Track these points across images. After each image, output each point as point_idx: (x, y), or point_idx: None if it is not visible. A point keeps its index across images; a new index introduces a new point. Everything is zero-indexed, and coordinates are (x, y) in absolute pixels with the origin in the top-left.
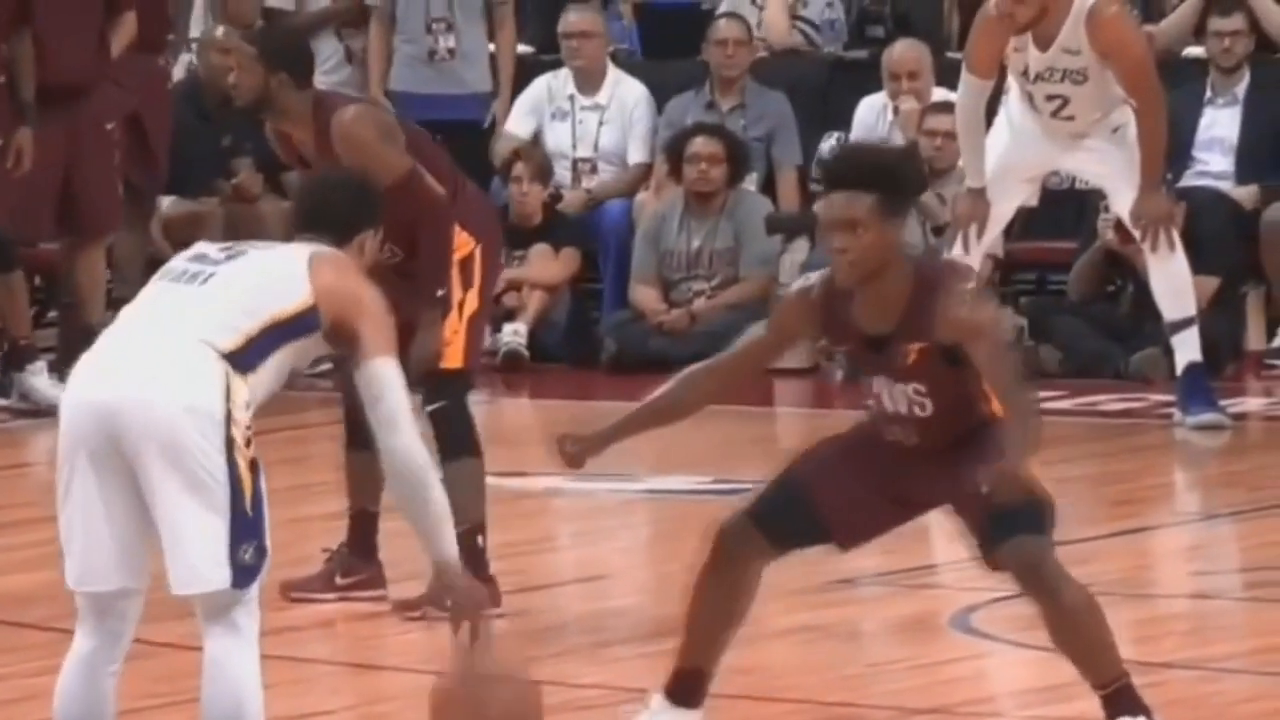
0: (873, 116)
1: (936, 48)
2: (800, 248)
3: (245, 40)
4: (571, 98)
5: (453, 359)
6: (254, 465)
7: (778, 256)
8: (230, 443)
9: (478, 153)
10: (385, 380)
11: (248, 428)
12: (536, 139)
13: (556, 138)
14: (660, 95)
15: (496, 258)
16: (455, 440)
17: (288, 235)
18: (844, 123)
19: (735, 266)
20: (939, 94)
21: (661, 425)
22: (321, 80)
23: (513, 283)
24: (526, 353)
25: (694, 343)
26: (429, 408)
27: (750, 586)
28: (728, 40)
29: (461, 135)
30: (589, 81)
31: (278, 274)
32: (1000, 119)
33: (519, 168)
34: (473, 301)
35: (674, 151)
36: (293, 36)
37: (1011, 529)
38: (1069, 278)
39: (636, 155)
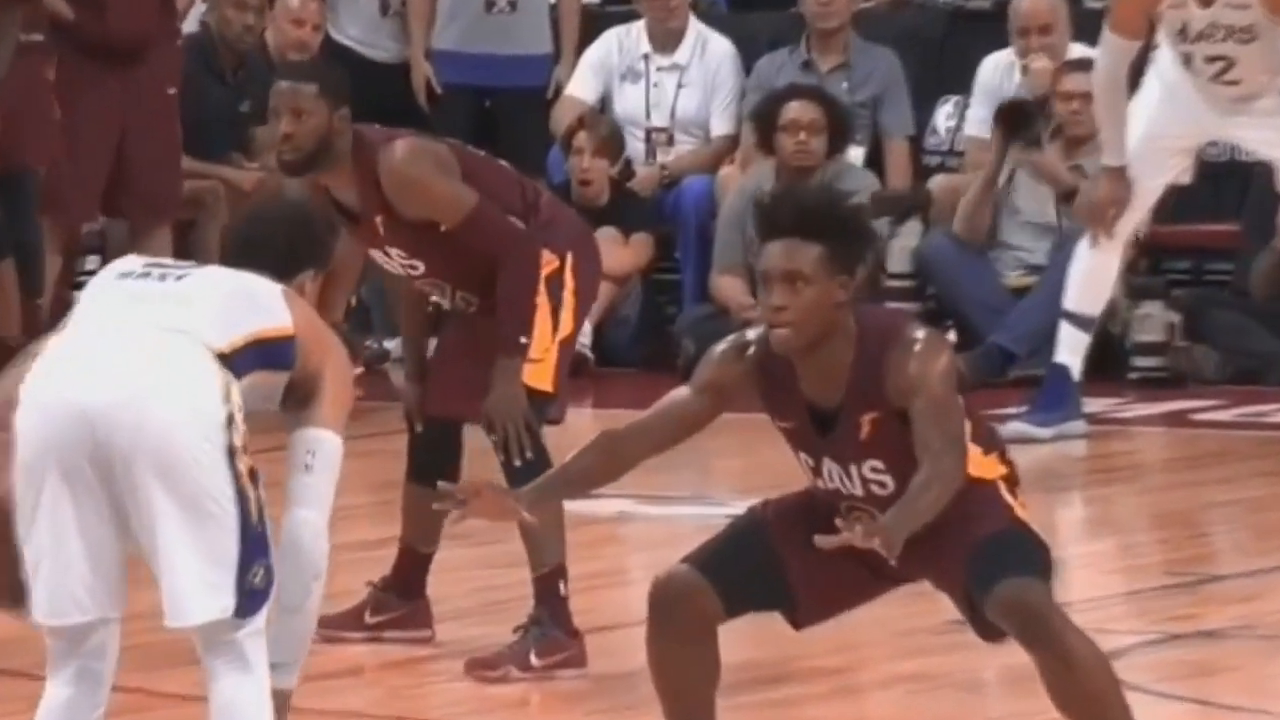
0: (997, 77)
1: None
2: (912, 231)
3: (301, 76)
4: (646, 56)
5: (537, 378)
6: (254, 474)
7: (885, 242)
8: (232, 450)
9: (538, 125)
10: (325, 454)
11: (245, 433)
12: (603, 105)
13: (627, 103)
14: (748, 54)
15: (590, 272)
16: (528, 471)
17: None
18: (963, 84)
19: None
20: (1076, 50)
21: (572, 497)
22: (354, 38)
23: None
24: (591, 355)
25: None
26: (498, 436)
27: (708, 644)
28: None
29: (519, 103)
30: (666, 37)
31: (257, 289)
32: (1148, 82)
33: (582, 138)
34: (566, 323)
35: (764, 119)
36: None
37: (1002, 570)
38: (1251, 275)
39: (721, 124)
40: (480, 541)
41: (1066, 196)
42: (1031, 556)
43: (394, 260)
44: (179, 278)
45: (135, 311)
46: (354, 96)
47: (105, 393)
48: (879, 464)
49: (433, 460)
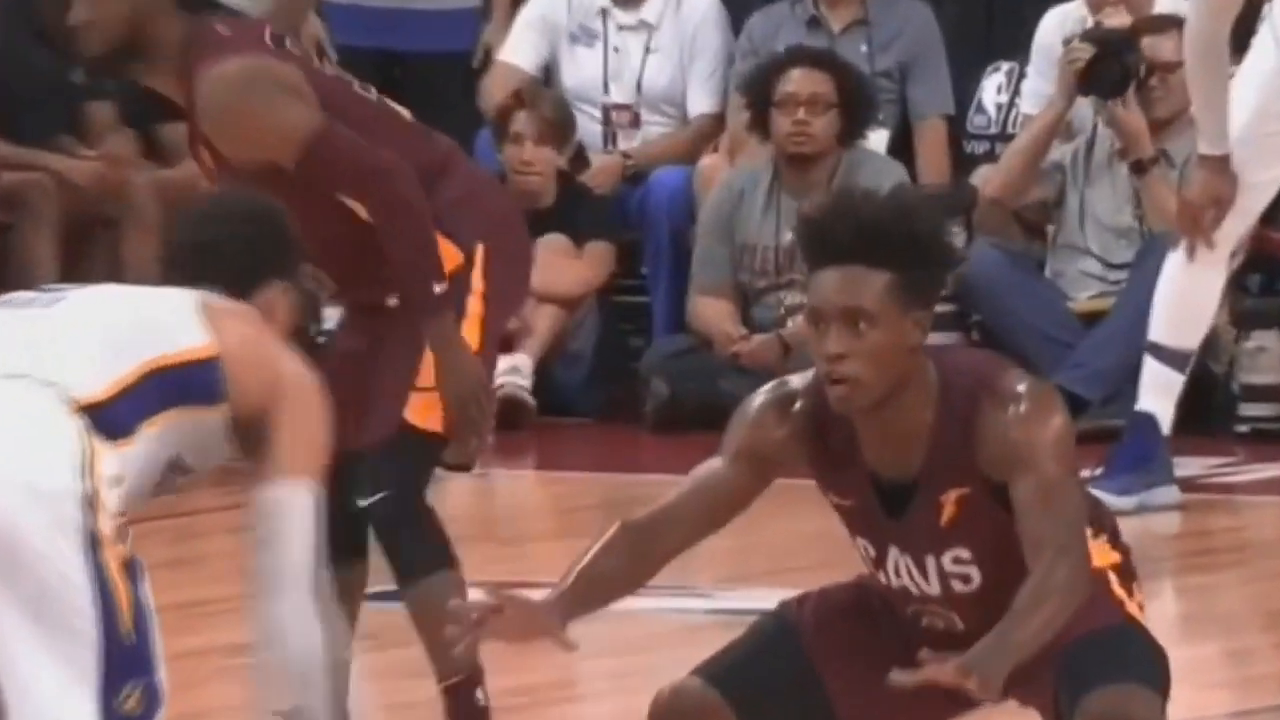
0: (1060, 38)
1: None
2: (953, 238)
3: None
4: (603, 12)
5: (422, 414)
6: (130, 568)
7: None
8: (95, 539)
9: (462, 101)
10: (287, 518)
11: (119, 514)
12: (548, 76)
13: (579, 73)
14: (738, 9)
15: (510, 274)
16: (419, 546)
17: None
18: (1018, 47)
19: None
20: (1162, 4)
21: (597, 609)
22: None
23: None
24: (532, 400)
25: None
26: (366, 500)
27: None
28: None
29: (437, 73)
30: None
31: (157, 306)
32: (1258, 46)
33: (520, 120)
34: (468, 338)
35: (758, 93)
36: None
37: (1102, 673)
38: None
39: (701, 100)
40: (387, 643)
41: (1138, 167)
42: (1143, 660)
43: None
44: (50, 302)
45: None
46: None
47: None
48: (963, 553)
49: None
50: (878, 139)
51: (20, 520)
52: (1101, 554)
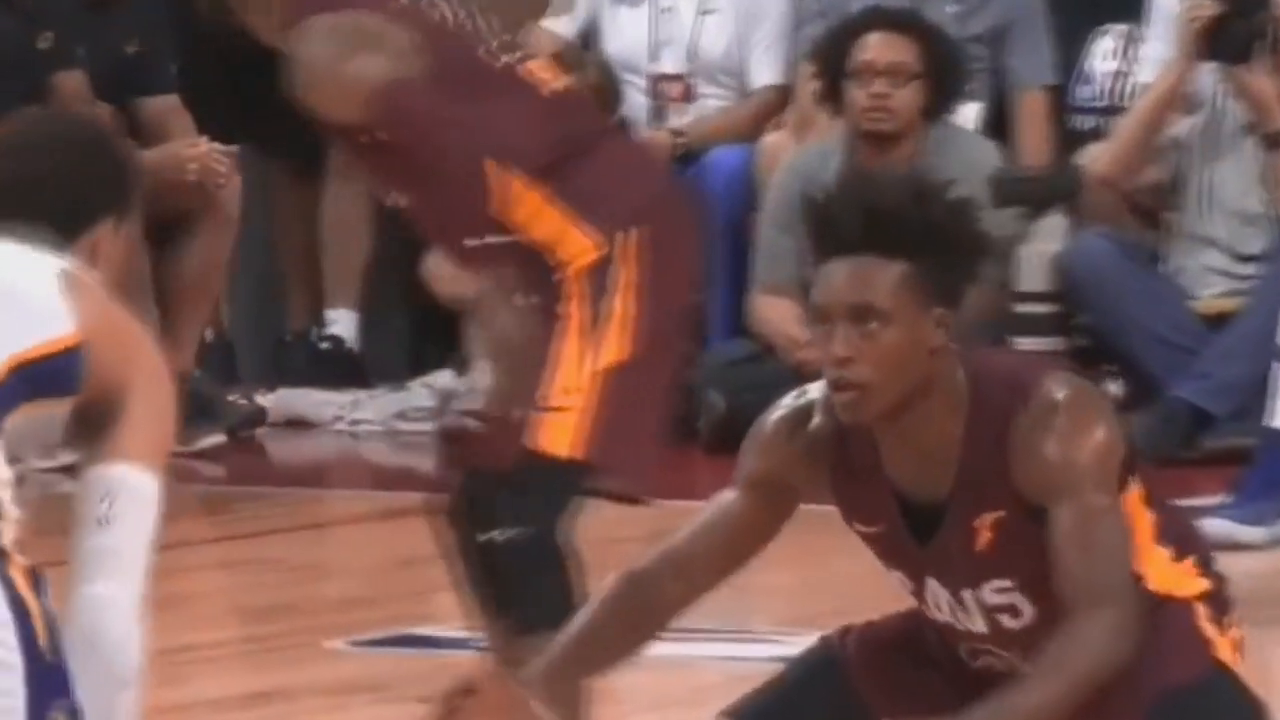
0: None
1: None
2: (1053, 227)
3: None
4: None
5: (552, 439)
6: (35, 579)
7: (1013, 246)
8: (1, 552)
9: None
10: (130, 499)
11: (16, 521)
12: (588, 41)
13: (624, 39)
14: None
15: (676, 253)
16: (531, 596)
17: None
18: (1132, 7)
19: None
20: None
21: (596, 672)
22: None
23: None
24: None
25: None
26: (484, 534)
27: None
28: None
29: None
30: None
31: (16, 281)
32: None
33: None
34: (611, 342)
35: (830, 62)
36: None
37: None
38: None
39: (764, 70)
40: (403, 695)
41: (1271, 142)
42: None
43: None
44: None
45: None
46: (201, 24)
47: None
48: (1006, 583)
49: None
50: (968, 114)
51: None
52: (1187, 581)
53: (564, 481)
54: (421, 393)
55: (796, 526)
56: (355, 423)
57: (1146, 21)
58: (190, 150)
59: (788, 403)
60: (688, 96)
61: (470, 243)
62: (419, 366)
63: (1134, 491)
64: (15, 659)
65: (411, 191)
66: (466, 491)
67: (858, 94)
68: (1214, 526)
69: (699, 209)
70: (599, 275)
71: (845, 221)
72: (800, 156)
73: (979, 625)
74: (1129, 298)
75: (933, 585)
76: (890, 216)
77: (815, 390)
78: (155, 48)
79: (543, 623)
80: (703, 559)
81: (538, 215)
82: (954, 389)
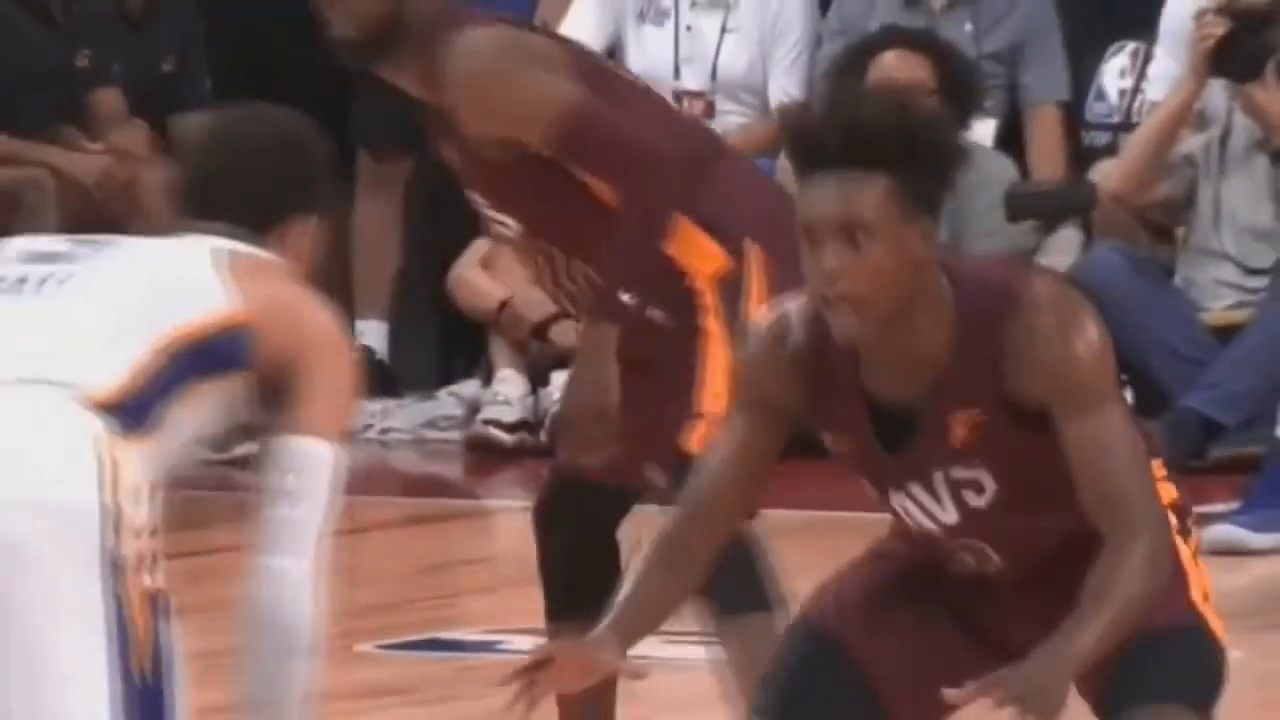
0: (1193, 13)
1: None
2: (1066, 241)
3: None
4: None
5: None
6: (154, 600)
7: (1028, 259)
8: (116, 566)
9: None
10: (312, 473)
11: (149, 534)
12: (612, 57)
13: (647, 56)
14: None
15: (793, 276)
16: (732, 580)
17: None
18: (1144, 25)
19: None
20: None
21: (657, 626)
22: None
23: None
24: None
25: None
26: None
27: None
28: None
29: None
30: None
31: (171, 266)
32: None
33: None
34: None
35: (851, 75)
36: None
37: (1145, 687)
38: None
39: (785, 87)
40: (429, 698)
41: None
42: (1193, 674)
43: (486, 215)
44: (62, 280)
45: None
46: (236, 42)
47: None
48: (973, 462)
49: (579, 567)
50: (984, 130)
51: (33, 544)
52: (1162, 489)
53: None
54: (449, 402)
55: (819, 533)
56: (385, 431)
57: (1158, 39)
58: None
59: (769, 323)
60: (709, 112)
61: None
62: (447, 376)
63: None
64: (103, 667)
65: (525, 200)
66: (628, 497)
67: None
68: (1224, 533)
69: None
70: (731, 286)
71: (827, 136)
72: None
73: (950, 514)
74: (1140, 310)
75: (897, 497)
76: (871, 129)
77: (793, 308)
78: (190, 65)
79: (751, 606)
80: (715, 500)
81: (675, 230)
82: (940, 298)
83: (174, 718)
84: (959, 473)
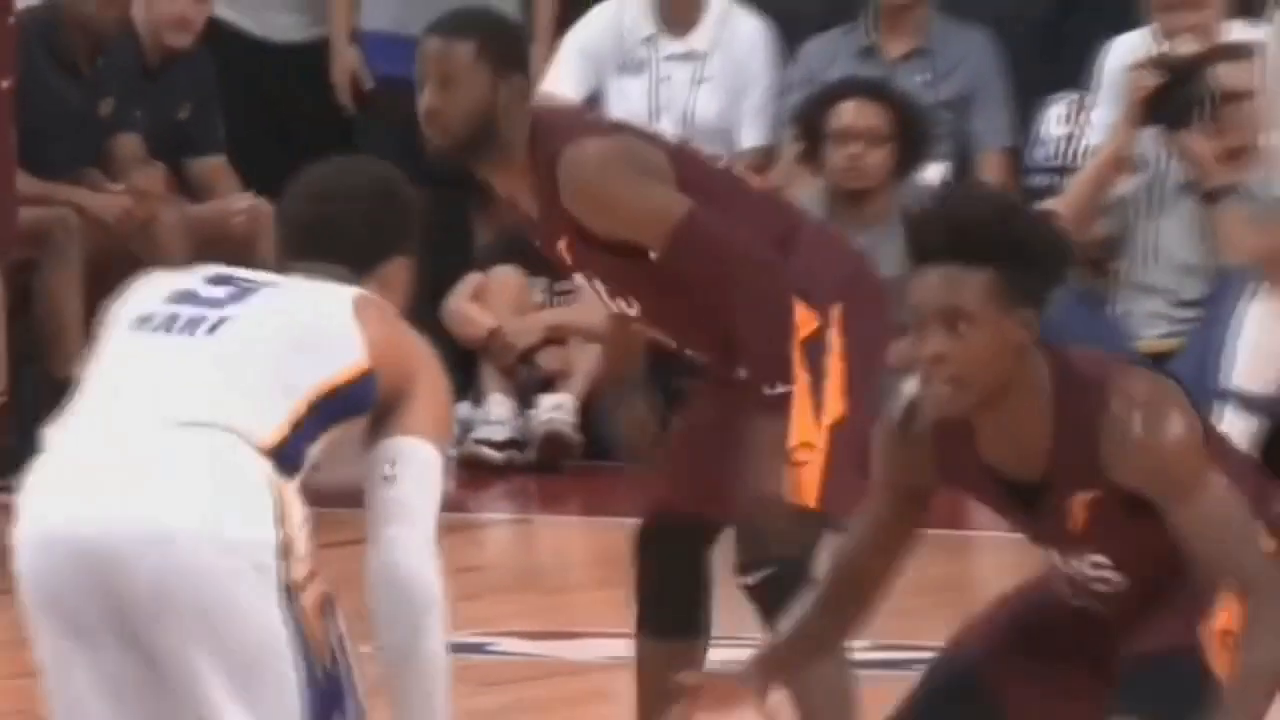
0: (1123, 69)
1: None
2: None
3: (454, 29)
4: (650, 40)
5: (799, 491)
6: (324, 607)
7: None
8: (290, 588)
9: None
10: (412, 461)
11: (309, 557)
12: (593, 106)
13: (626, 104)
14: (791, 35)
15: (868, 323)
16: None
17: (275, 265)
18: (1083, 77)
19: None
20: (1233, 31)
21: (807, 665)
22: (241, 10)
23: (555, 332)
24: (579, 436)
25: None
26: (753, 576)
27: None
28: None
29: None
30: (679, 14)
31: (319, 318)
32: None
33: None
34: (833, 401)
35: (811, 124)
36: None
37: (1136, 701)
38: None
39: (751, 132)
40: None
41: (1209, 199)
42: (1166, 694)
43: (603, 296)
44: (213, 327)
45: (153, 396)
46: (241, 91)
47: (111, 521)
48: (1100, 559)
49: (669, 592)
50: (935, 173)
51: (216, 577)
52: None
53: (813, 525)
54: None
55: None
56: None
57: (1095, 89)
58: (237, 205)
59: (892, 408)
60: None
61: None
62: None
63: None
64: (293, 678)
65: (645, 292)
66: (735, 538)
67: (835, 155)
68: None
69: (884, 283)
70: (816, 345)
71: (934, 232)
72: None
73: (1079, 598)
74: (1080, 339)
75: (1043, 544)
76: (972, 229)
77: (912, 391)
78: (205, 112)
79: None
80: (856, 566)
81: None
82: (1039, 385)
83: (353, 687)
84: (1089, 570)
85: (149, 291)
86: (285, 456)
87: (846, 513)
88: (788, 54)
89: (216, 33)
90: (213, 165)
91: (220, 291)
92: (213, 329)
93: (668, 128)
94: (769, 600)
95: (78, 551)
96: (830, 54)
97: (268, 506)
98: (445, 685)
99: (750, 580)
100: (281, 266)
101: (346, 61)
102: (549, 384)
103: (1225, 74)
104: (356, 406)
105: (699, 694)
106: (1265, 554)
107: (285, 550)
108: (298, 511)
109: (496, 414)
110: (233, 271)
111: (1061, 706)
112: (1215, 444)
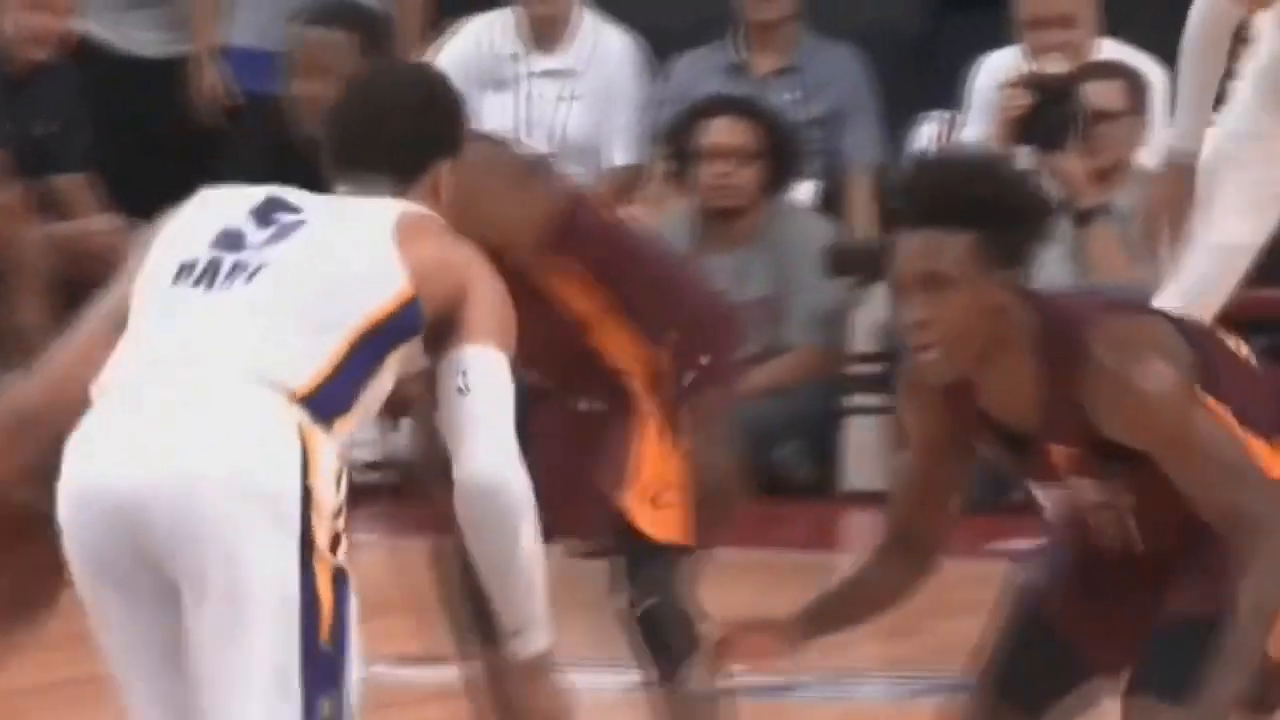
0: (999, 85)
1: None
2: (882, 296)
3: (326, 20)
4: (516, 57)
5: (664, 525)
6: (338, 578)
7: (845, 312)
8: (309, 546)
9: None
10: (482, 370)
11: (336, 516)
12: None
13: (494, 121)
14: (661, 51)
15: (720, 364)
16: (675, 652)
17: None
18: (953, 96)
19: (776, 326)
20: (1104, 49)
21: (855, 624)
22: (114, 30)
23: None
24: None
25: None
26: (637, 606)
27: None
28: None
29: None
30: (547, 30)
31: (357, 253)
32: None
33: None
34: (683, 437)
35: (679, 142)
36: None
37: (1152, 680)
38: None
39: (620, 150)
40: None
41: (1080, 219)
42: (1210, 675)
43: None
44: (254, 272)
45: (191, 353)
46: (105, 106)
47: (143, 479)
48: (1104, 485)
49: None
50: (804, 191)
51: (231, 524)
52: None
53: (679, 559)
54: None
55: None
56: None
57: (967, 108)
58: (97, 225)
59: (905, 374)
60: None
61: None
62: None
63: (1209, 394)
64: (288, 627)
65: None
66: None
67: (703, 174)
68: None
69: (736, 314)
70: (667, 380)
71: (910, 198)
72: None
73: (1093, 498)
74: None
75: (1040, 490)
76: (949, 193)
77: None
78: (68, 128)
79: (688, 654)
80: (913, 528)
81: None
82: (1024, 341)
83: (350, 676)
84: (1094, 492)
85: (197, 225)
86: (324, 400)
87: (713, 544)
88: (658, 71)
89: (81, 48)
90: (74, 183)
91: (263, 233)
92: (251, 277)
93: (537, 145)
94: (648, 631)
95: (110, 506)
96: (699, 71)
97: (293, 458)
98: (543, 581)
99: (637, 613)
100: (330, 177)
101: (212, 77)
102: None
103: (1095, 93)
104: (404, 333)
105: (731, 643)
106: (1265, 488)
107: (308, 502)
108: (328, 463)
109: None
110: (282, 197)
111: (1126, 642)
112: (1225, 367)
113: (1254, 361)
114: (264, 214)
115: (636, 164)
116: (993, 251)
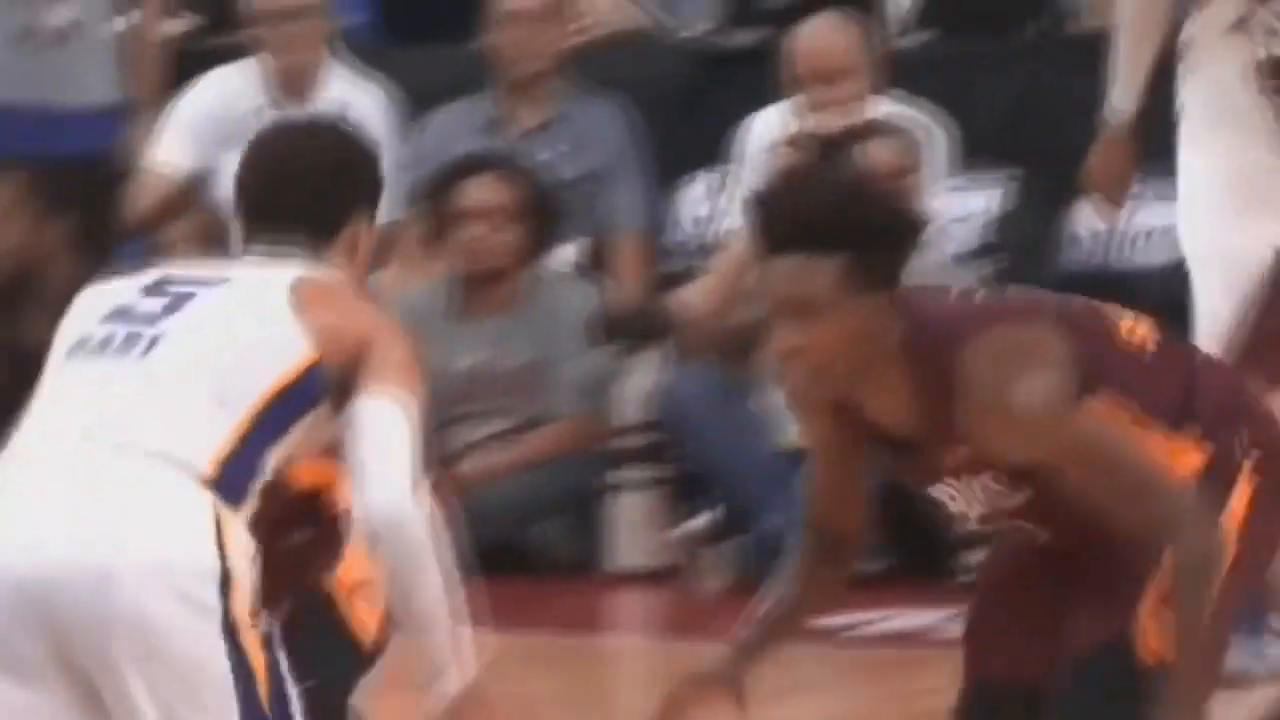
0: (769, 142)
1: (877, 27)
2: (648, 363)
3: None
4: (260, 111)
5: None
6: (268, 641)
7: (610, 382)
8: (231, 626)
9: (102, 207)
10: (368, 412)
11: (254, 590)
12: (203, 179)
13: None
14: (415, 105)
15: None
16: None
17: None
18: (720, 153)
19: (539, 398)
20: (880, 107)
21: (791, 638)
22: None
23: None
24: None
25: (473, 526)
26: None
27: None
28: (522, 13)
29: (79, 179)
30: (294, 81)
31: (255, 321)
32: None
33: (174, 229)
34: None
35: (435, 201)
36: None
37: (1080, 701)
38: None
39: None
40: None
41: None
42: (1106, 707)
43: None
44: (148, 347)
45: (90, 427)
46: None
47: (53, 562)
48: (992, 482)
49: None
50: (567, 254)
51: (152, 611)
52: (1183, 458)
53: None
54: None
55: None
56: None
57: (737, 166)
58: None
59: (789, 385)
60: None
61: None
62: None
63: (1100, 395)
64: (228, 706)
65: None
66: None
67: (459, 236)
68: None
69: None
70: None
71: (777, 224)
72: (408, 296)
73: (977, 507)
74: (719, 431)
75: (935, 489)
76: (817, 218)
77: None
78: None
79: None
80: (829, 530)
81: None
82: (900, 357)
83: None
84: (990, 482)
85: (89, 307)
86: (233, 477)
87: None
88: (413, 125)
89: None
90: None
91: (156, 304)
92: (147, 349)
93: None
94: None
95: (17, 587)
96: (456, 127)
97: (207, 539)
98: (446, 622)
99: None
100: (244, 237)
101: None
102: None
103: (874, 151)
104: (309, 400)
105: (675, 701)
106: (1167, 492)
107: (226, 584)
108: (242, 543)
109: None
110: (172, 274)
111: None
112: (1119, 362)
113: (1153, 344)
114: (156, 287)
115: (389, 223)
116: (864, 274)
